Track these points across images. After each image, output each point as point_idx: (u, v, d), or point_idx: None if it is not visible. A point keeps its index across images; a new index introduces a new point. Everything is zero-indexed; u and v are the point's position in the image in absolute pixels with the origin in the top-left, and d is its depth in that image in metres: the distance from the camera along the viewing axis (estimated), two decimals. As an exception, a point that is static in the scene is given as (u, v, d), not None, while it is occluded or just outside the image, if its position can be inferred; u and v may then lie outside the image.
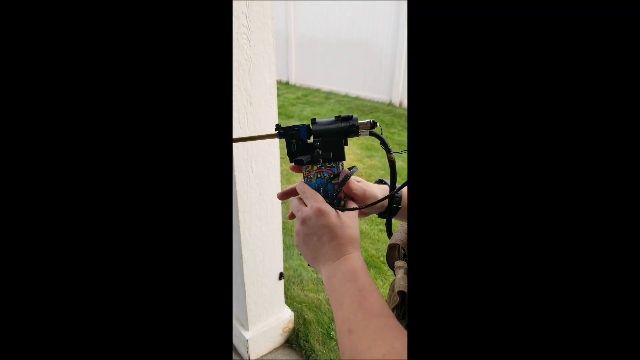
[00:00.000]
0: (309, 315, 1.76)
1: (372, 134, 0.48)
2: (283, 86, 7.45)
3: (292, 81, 7.72)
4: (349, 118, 0.47)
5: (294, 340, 1.68)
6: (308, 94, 6.73)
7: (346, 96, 6.52)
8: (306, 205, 0.46)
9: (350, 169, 0.50)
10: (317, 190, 0.49)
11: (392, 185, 0.51)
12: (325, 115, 5.33)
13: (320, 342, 1.64)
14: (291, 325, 1.71)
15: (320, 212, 0.43)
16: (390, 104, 5.91)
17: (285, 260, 1.73)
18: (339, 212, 0.45)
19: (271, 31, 1.24)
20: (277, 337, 1.67)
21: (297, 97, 6.45)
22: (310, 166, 0.50)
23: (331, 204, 0.47)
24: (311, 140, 0.49)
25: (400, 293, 0.42)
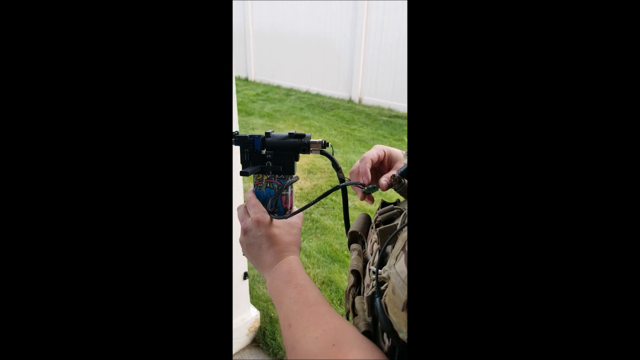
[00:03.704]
0: (276, 313, 1.75)
1: (322, 153, 0.51)
2: (242, 82, 7.31)
3: (252, 77, 7.59)
4: (302, 136, 0.50)
5: (261, 339, 1.67)
6: (268, 91, 6.65)
7: (307, 93, 6.52)
8: (249, 216, 0.48)
9: (291, 180, 0.52)
10: (265, 198, 0.52)
11: (345, 210, 0.55)
12: (287, 112, 5.30)
13: (287, 339, 1.65)
14: (257, 324, 1.69)
15: (258, 223, 0.47)
16: (350, 100, 6.00)
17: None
18: (278, 220, 0.49)
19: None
20: (243, 338, 1.65)
21: (257, 94, 6.36)
22: (260, 175, 0.52)
23: (274, 212, 0.51)
24: (264, 152, 0.51)
25: (354, 272, 0.45)
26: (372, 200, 0.52)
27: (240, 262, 1.53)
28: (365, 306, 0.38)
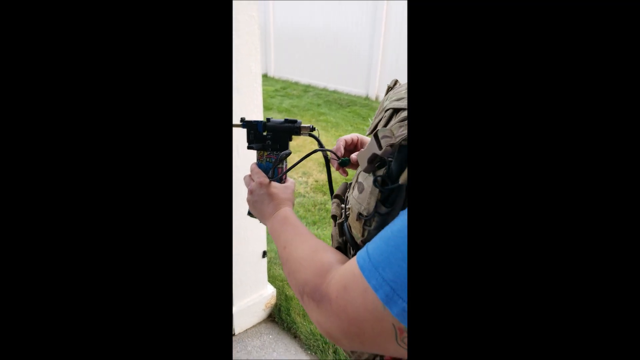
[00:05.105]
0: (290, 292, 1.88)
1: (310, 135, 0.66)
2: (262, 78, 7.46)
3: (271, 73, 7.74)
4: (294, 121, 0.64)
5: (277, 314, 1.79)
6: (287, 87, 6.78)
7: (324, 89, 6.62)
8: (253, 181, 0.63)
9: (285, 153, 0.67)
10: (265, 169, 0.68)
11: (329, 177, 0.69)
12: (304, 108, 5.42)
13: (301, 315, 1.77)
14: (274, 301, 1.82)
15: (261, 185, 0.61)
16: (367, 97, 6.07)
17: (268, 243, 1.83)
18: (275, 183, 0.64)
19: (256, 23, 1.34)
20: (260, 312, 1.78)
21: (276, 90, 6.50)
22: (262, 152, 0.68)
23: (271, 178, 0.66)
24: (265, 133, 0.67)
25: (334, 217, 0.56)
26: (345, 173, 0.67)
27: (259, 241, 1.65)
28: (337, 230, 0.51)
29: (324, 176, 3.28)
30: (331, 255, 0.43)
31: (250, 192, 0.62)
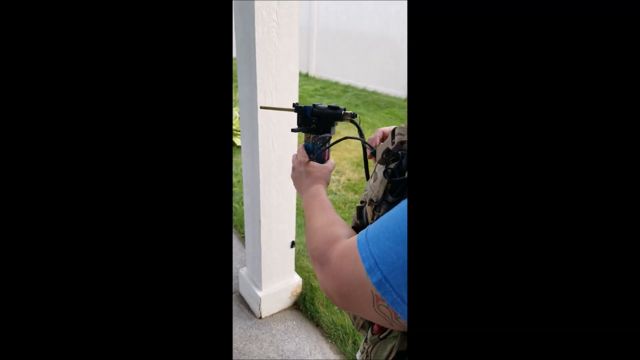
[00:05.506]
0: (316, 283, 1.96)
1: (351, 121, 0.73)
2: (302, 78, 7.62)
3: (312, 73, 7.88)
4: (337, 108, 0.73)
5: (301, 302, 1.88)
6: (326, 87, 6.87)
7: (364, 90, 6.64)
8: (297, 159, 0.73)
9: (326, 136, 0.76)
10: (312, 149, 0.78)
11: (365, 164, 0.75)
12: (342, 108, 5.49)
13: (324, 305, 1.84)
14: (299, 290, 1.91)
15: (300, 163, 0.71)
16: (406, 99, 6.02)
17: (297, 236, 1.92)
18: (313, 162, 0.72)
19: (297, 26, 1.43)
20: (286, 299, 1.88)
21: (316, 89, 6.61)
22: (309, 135, 0.78)
23: (314, 159, 0.76)
24: (312, 118, 0.76)
25: (361, 202, 0.62)
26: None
27: (289, 231, 1.75)
28: (355, 212, 0.57)
29: (357, 175, 3.33)
30: (343, 230, 0.50)
31: (293, 169, 0.73)
